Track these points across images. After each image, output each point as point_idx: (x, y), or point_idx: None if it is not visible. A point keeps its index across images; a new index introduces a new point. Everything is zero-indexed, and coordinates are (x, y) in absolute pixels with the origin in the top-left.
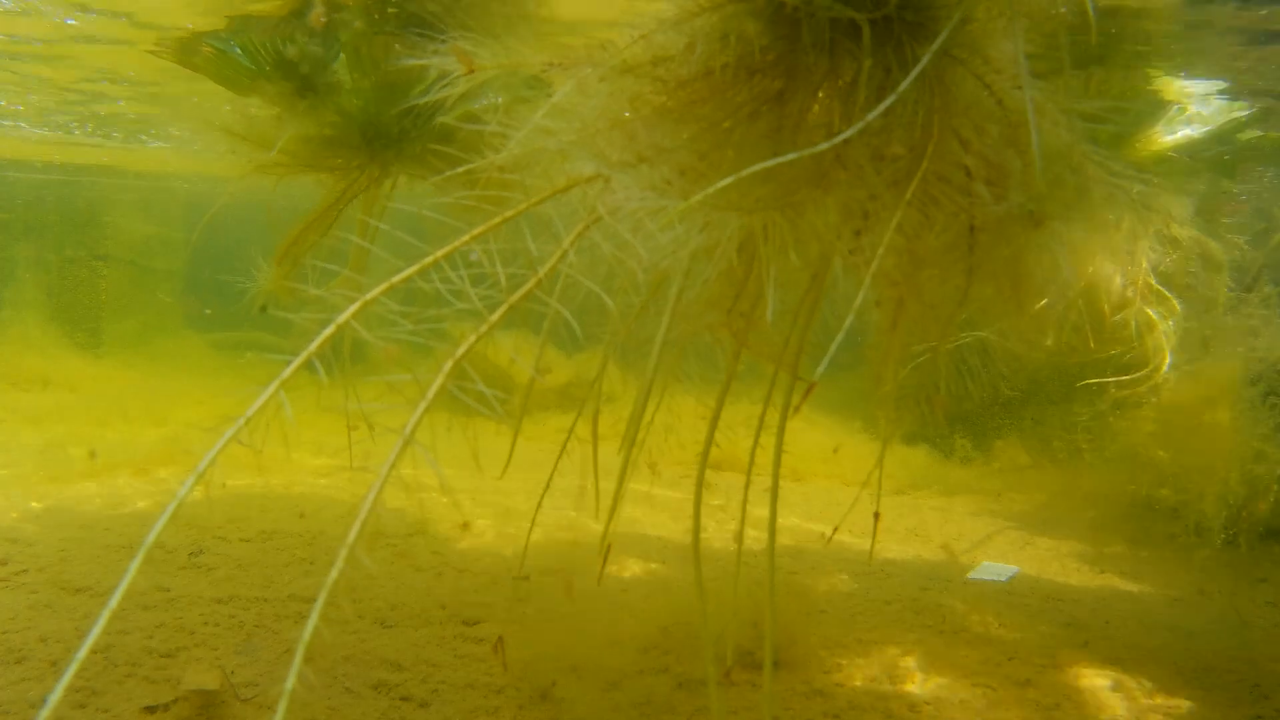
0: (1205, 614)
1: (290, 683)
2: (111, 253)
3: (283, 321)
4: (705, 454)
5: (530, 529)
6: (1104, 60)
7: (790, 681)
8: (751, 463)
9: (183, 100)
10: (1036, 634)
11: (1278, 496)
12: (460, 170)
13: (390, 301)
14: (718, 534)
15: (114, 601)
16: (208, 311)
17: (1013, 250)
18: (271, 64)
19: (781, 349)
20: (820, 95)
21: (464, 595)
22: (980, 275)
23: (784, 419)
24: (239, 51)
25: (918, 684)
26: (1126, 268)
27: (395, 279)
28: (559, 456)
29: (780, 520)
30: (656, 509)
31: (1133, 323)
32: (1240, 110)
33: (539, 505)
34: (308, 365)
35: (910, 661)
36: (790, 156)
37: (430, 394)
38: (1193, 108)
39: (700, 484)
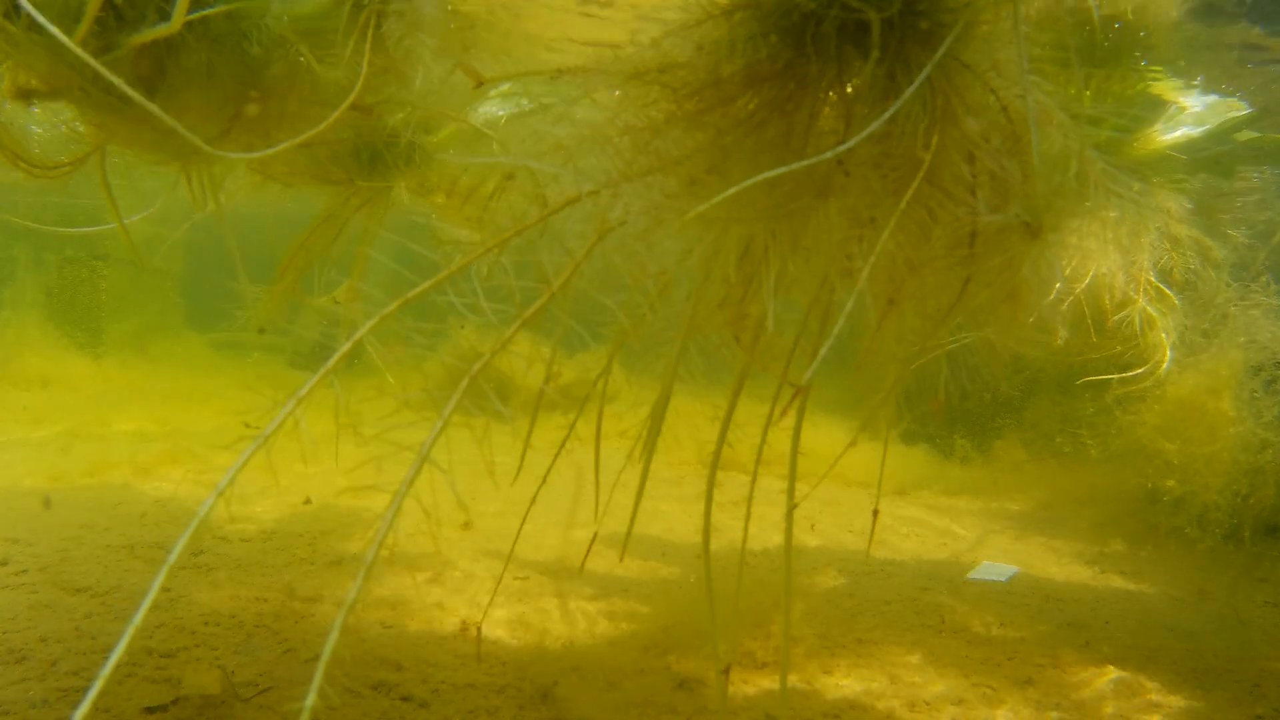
0: (1205, 614)
1: (312, 699)
2: (111, 252)
3: (282, 323)
4: (717, 454)
5: (521, 527)
6: (1106, 63)
7: (790, 681)
8: (757, 463)
9: None
10: (1036, 634)
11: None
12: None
13: (394, 307)
14: (718, 534)
15: (146, 602)
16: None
17: (1008, 257)
18: None
19: (790, 352)
20: (827, 103)
21: (464, 595)
22: (978, 281)
23: (798, 425)
24: None
25: (918, 684)
26: (1128, 266)
27: (411, 294)
28: (556, 456)
29: (780, 520)
30: (658, 508)
31: (1135, 320)
32: (1238, 110)
33: (532, 501)
34: (303, 364)
35: (910, 661)
36: (780, 171)
37: (447, 411)
38: (1191, 107)
39: (711, 484)
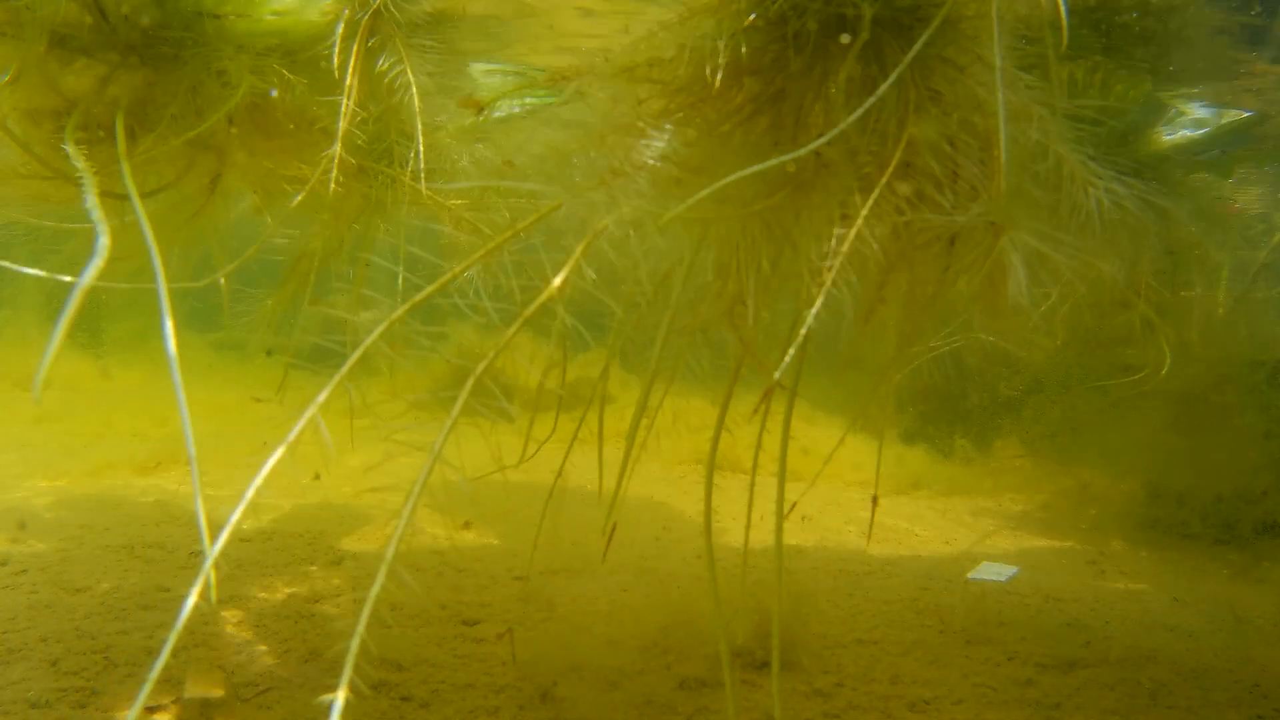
0: (1205, 614)
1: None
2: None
3: (282, 323)
4: (713, 453)
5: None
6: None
7: (790, 681)
8: (755, 463)
9: None
10: (1036, 634)
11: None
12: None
13: (401, 312)
14: (718, 534)
15: (188, 606)
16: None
17: (983, 249)
18: None
19: (785, 346)
20: (813, 97)
21: (464, 595)
22: (954, 269)
23: (787, 419)
24: None
25: (918, 684)
26: (1129, 267)
27: (417, 298)
28: (566, 457)
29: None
30: (657, 508)
31: (1136, 321)
32: (1237, 114)
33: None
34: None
35: (910, 661)
36: (755, 168)
37: (455, 412)
38: (1192, 110)
39: (710, 483)
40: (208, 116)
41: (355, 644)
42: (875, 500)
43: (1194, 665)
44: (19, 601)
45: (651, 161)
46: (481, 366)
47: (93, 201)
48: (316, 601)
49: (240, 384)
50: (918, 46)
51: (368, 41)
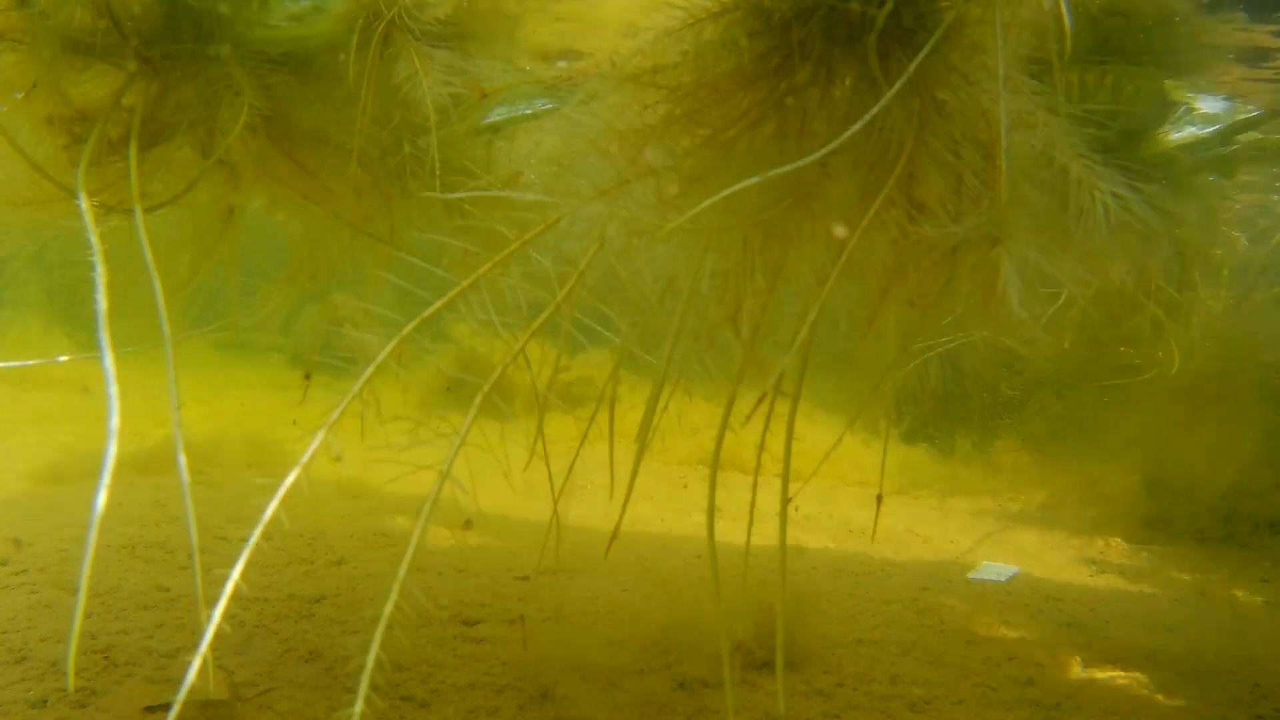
0: (1205, 614)
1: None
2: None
3: (282, 323)
4: (717, 452)
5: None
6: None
7: (791, 681)
8: (759, 463)
9: None
10: (1036, 634)
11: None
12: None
13: (411, 326)
14: (719, 533)
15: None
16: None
17: (979, 257)
18: None
19: (793, 348)
20: (817, 105)
21: (464, 595)
22: (958, 277)
23: (791, 419)
24: None
25: (918, 684)
26: (1137, 269)
27: (426, 313)
28: (575, 457)
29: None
30: (658, 508)
31: (1145, 323)
32: (1245, 111)
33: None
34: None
35: (910, 661)
36: (753, 180)
37: (470, 418)
38: (1200, 106)
39: (714, 483)
40: (219, 128)
41: (373, 650)
42: (880, 500)
43: (1194, 665)
44: (19, 601)
45: (655, 168)
46: (488, 383)
47: (92, 232)
48: (317, 601)
49: (241, 384)
50: (922, 54)
51: (383, 51)
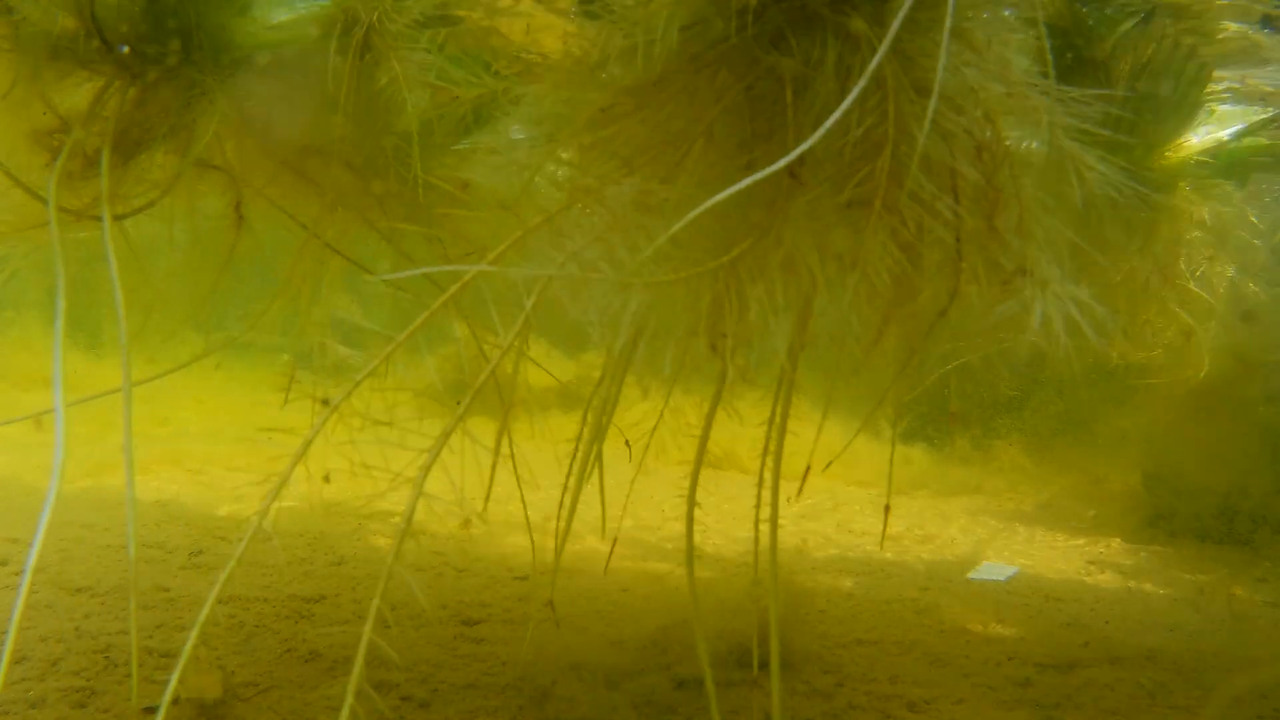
0: (1205, 614)
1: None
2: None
3: (282, 323)
4: (700, 452)
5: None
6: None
7: (790, 681)
8: (763, 463)
9: None
10: (1036, 633)
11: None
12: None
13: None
14: (719, 533)
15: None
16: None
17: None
18: None
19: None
20: (783, 104)
21: (464, 595)
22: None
23: (783, 421)
24: None
25: (918, 684)
26: (1162, 273)
27: (420, 319)
28: (574, 459)
29: (780, 519)
30: (658, 508)
31: (1170, 327)
32: (1261, 113)
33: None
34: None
35: (910, 661)
36: (716, 199)
37: (459, 413)
38: (1220, 108)
39: (695, 482)
40: (201, 135)
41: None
42: (887, 510)
43: (1194, 665)
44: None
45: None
46: (468, 398)
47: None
48: (317, 601)
49: (242, 384)
50: (885, 45)
51: (361, 56)
